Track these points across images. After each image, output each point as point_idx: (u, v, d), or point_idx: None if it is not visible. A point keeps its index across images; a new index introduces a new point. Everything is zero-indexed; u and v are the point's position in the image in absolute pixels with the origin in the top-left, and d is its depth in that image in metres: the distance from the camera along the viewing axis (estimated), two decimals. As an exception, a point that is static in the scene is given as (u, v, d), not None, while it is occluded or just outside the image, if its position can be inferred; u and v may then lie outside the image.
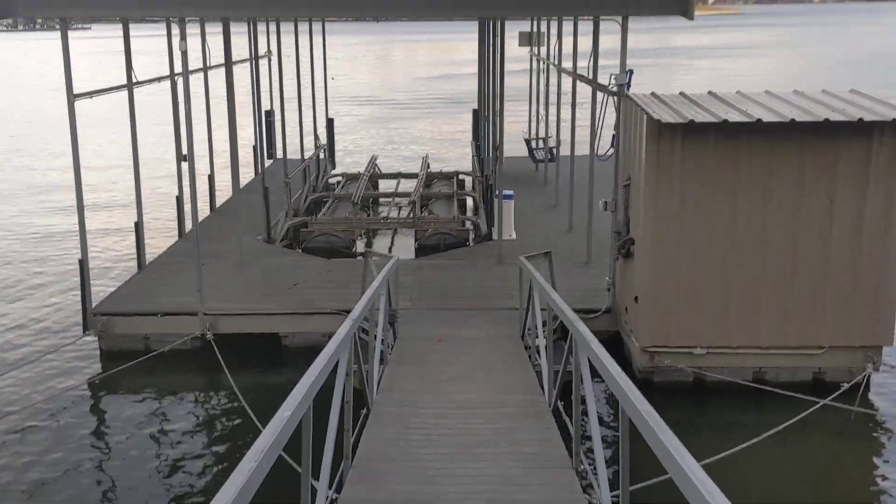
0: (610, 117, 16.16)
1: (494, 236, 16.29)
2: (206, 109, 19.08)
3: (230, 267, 14.75)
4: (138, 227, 14.73)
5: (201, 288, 12.55)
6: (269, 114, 22.05)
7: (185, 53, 12.03)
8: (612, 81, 11.88)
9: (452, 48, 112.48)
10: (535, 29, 22.97)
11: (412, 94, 58.48)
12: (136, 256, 14.95)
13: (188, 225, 17.55)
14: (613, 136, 22.70)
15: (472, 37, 26.47)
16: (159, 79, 16.07)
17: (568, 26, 17.61)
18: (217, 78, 18.99)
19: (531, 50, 23.98)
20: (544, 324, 9.33)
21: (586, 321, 12.36)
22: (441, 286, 13.63)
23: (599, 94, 13.44)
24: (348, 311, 11.60)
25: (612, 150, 23.97)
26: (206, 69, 18.70)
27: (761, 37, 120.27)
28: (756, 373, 10.99)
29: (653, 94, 11.58)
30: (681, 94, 11.71)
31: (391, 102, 53.59)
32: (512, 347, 10.62)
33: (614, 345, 12.25)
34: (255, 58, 21.93)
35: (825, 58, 78.44)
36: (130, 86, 14.35)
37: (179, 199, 16.99)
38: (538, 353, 9.52)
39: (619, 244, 11.58)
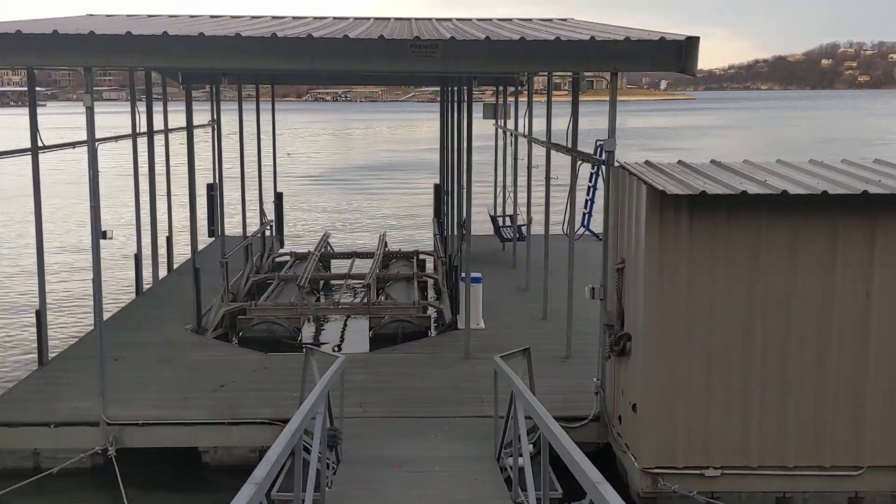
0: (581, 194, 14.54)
1: (460, 325, 14.30)
2: (150, 179, 17.05)
3: (147, 363, 12.52)
4: (39, 317, 12.48)
5: (103, 392, 10.30)
6: (212, 187, 20.09)
7: (90, 110, 10.04)
8: (599, 148, 10.11)
9: (414, 126, 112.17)
10: (499, 101, 21.45)
11: (370, 171, 56.98)
12: (38, 356, 12.65)
13: (110, 308, 15.31)
14: (585, 207, 20.98)
15: (433, 115, 24.94)
16: (73, 144, 14.05)
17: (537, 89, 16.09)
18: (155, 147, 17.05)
19: (496, 123, 22.43)
20: (535, 454, 7.28)
21: (570, 431, 10.40)
22: (398, 388, 11.53)
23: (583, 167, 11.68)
24: (284, 421, 9.57)
25: (582, 230, 22.21)
26: (165, 131, 16.76)
27: (713, 119, 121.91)
28: (780, 499, 9.00)
29: (647, 162, 9.84)
30: (680, 162, 9.98)
31: (348, 179, 51.95)
32: (486, 474, 8.52)
33: (604, 459, 10.20)
34: (191, 126, 20.05)
35: (782, 138, 78.98)
36: (35, 150, 12.29)
37: (96, 281, 14.76)
38: (520, 482, 7.46)
39: (612, 340, 9.64)
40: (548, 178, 14.69)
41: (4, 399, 11.23)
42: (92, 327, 14.78)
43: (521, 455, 7.50)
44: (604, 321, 10.02)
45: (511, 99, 20.88)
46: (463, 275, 14.01)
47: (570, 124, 12.18)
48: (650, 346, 8.81)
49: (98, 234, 14.50)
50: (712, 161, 10.12)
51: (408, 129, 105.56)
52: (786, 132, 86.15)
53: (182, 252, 21.20)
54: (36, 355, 12.69)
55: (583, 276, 13.74)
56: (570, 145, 12.20)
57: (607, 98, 10.63)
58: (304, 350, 10.15)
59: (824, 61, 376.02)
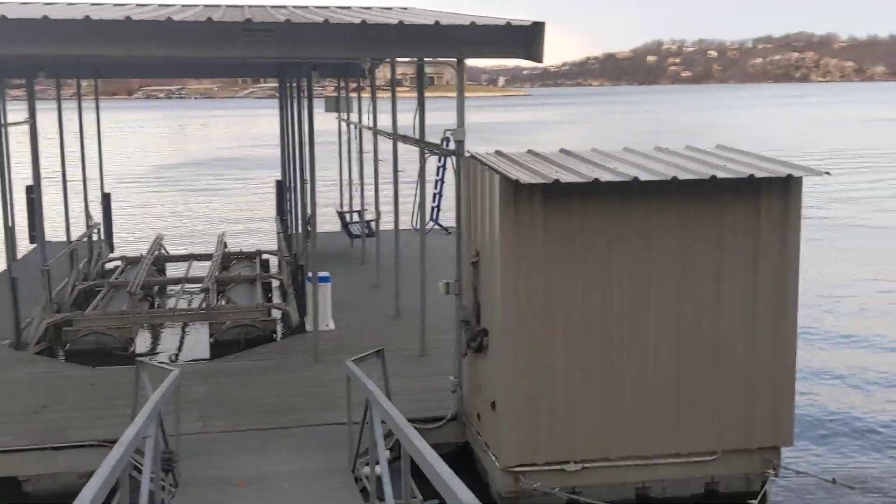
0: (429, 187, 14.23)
1: (308, 327, 13.63)
2: None
3: (-44, 386, 11.17)
4: None
5: None
6: (31, 189, 18.43)
7: None
8: (449, 138, 9.72)
9: (252, 122, 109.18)
10: (342, 94, 20.81)
11: (207, 168, 54.82)
12: None
13: None
14: (434, 201, 20.72)
15: (273, 111, 23.99)
16: None
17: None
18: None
19: (339, 116, 21.77)
20: (392, 459, 6.78)
21: (427, 432, 10.00)
22: (242, 398, 10.76)
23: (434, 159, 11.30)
24: (113, 443, 8.67)
25: (431, 224, 21.94)
26: None
27: (550, 115, 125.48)
28: (640, 489, 8.92)
29: (498, 152, 9.54)
30: (530, 151, 9.74)
31: (183, 178, 49.73)
32: (340, 486, 7.97)
33: (464, 460, 9.87)
34: (5, 123, 18.34)
35: (617, 131, 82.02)
36: None
37: None
38: (378, 492, 6.95)
39: (469, 336, 9.29)
40: (395, 171, 14.23)
41: None
42: None
43: (378, 464, 7.00)
44: (459, 317, 9.66)
45: (354, 94, 20.30)
46: (309, 274, 13.36)
47: (417, 115, 11.76)
48: (508, 341, 8.51)
49: None
50: (562, 150, 9.94)
51: (246, 126, 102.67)
52: (619, 125, 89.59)
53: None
54: None
55: (435, 271, 13.41)
56: (417, 136, 11.77)
57: (450, 94, 10.38)
58: (135, 363, 9.24)
59: (650, 58, 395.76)
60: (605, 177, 8.13)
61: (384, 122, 15.92)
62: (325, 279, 13.36)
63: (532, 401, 8.56)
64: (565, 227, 8.34)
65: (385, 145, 16.34)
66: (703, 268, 8.59)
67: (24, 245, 18.34)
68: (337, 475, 8.26)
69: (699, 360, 8.70)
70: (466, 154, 9.57)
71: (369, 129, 16.37)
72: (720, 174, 8.22)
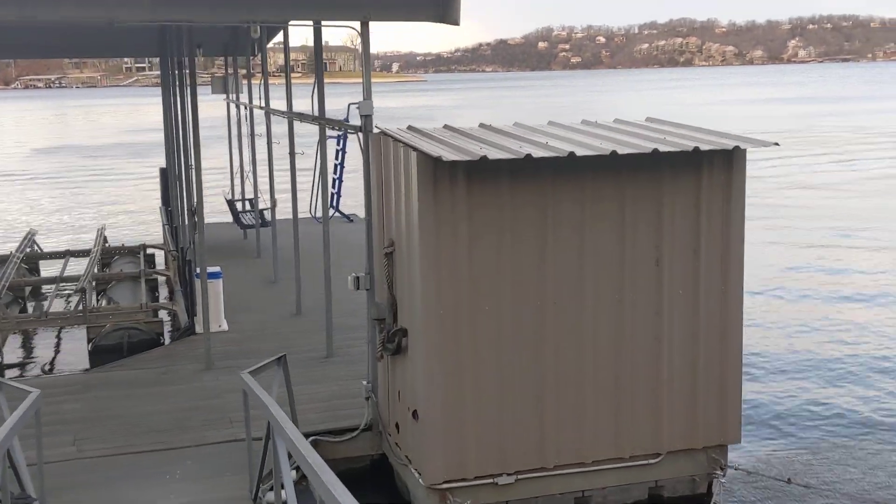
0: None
1: (198, 329, 12.27)
2: None
3: None
4: None
5: None
6: None
7: None
8: (355, 111, 8.58)
9: (137, 111, 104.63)
10: (230, 70, 19.33)
11: (86, 158, 51.77)
12: None
13: None
14: (333, 187, 19.48)
15: (158, 99, 22.21)
16: None
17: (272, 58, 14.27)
18: None
19: (227, 97, 20.25)
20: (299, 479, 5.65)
21: (338, 445, 8.89)
22: (125, 415, 9.37)
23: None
24: None
25: (331, 211, 20.67)
26: None
27: (446, 100, 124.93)
28: (579, 499, 8.05)
29: (411, 127, 8.46)
30: (446, 126, 8.70)
31: (61, 166, 46.74)
32: (241, 522, 6.78)
33: (381, 474, 8.82)
34: None
35: (514, 116, 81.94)
36: None
37: None
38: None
39: (385, 336, 8.19)
40: (292, 153, 12.95)
41: None
42: None
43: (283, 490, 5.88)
44: (372, 315, 8.55)
45: (244, 78, 18.82)
46: (198, 270, 12.00)
47: (315, 87, 10.55)
48: (430, 341, 7.46)
49: None
50: (481, 125, 8.94)
51: (131, 115, 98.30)
52: (519, 109, 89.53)
53: None
54: None
55: (340, 264, 12.31)
56: (315, 113, 10.57)
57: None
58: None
59: (541, 44, 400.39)
60: (538, 152, 7.15)
61: (276, 106, 14.66)
62: (215, 275, 12.04)
63: (458, 408, 7.55)
64: (493, 210, 7.35)
65: (279, 127, 15.05)
66: (642, 252, 7.74)
67: None
68: (236, 506, 7.06)
69: (639, 354, 7.87)
70: (375, 130, 8.46)
71: (261, 108, 15.01)
72: (663, 147, 7.36)
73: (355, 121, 8.92)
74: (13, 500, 5.52)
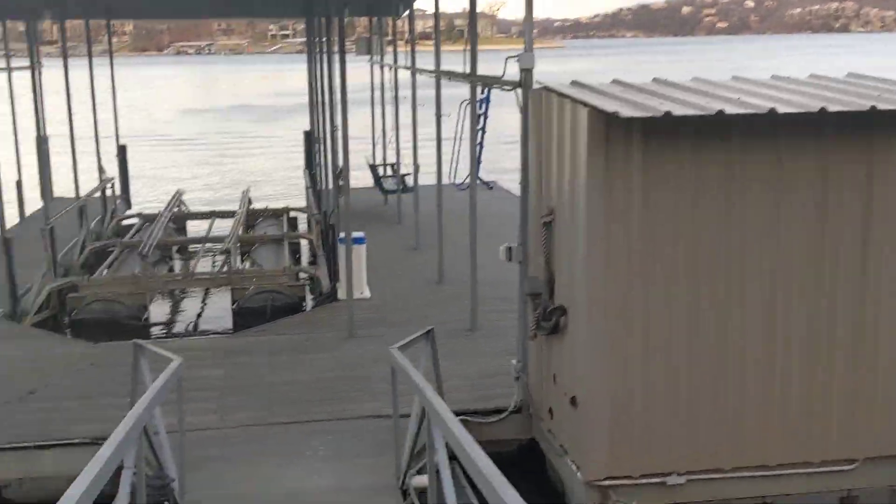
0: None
1: (340, 295, 11.92)
2: None
3: (-67, 366, 9.60)
4: None
5: None
6: (43, 141, 16.85)
7: None
8: (516, 65, 7.81)
9: (281, 76, 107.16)
10: (375, 30, 18.89)
11: (234, 116, 53.15)
12: None
13: None
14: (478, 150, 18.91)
15: (301, 66, 22.10)
16: None
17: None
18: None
19: (371, 59, 19.86)
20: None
21: (485, 427, 8.27)
22: (266, 383, 9.06)
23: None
24: None
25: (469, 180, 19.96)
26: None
27: (588, 65, 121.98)
28: (759, 505, 7.14)
29: (575, 82, 7.63)
30: (616, 81, 7.82)
31: (209, 127, 48.09)
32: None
33: (530, 461, 8.14)
34: (9, 67, 16.70)
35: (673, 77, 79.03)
36: None
37: None
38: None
39: (540, 314, 7.47)
40: (438, 115, 12.34)
41: None
42: None
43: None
44: (525, 289, 7.83)
45: (389, 44, 18.36)
46: (342, 235, 11.61)
47: (467, 46, 9.83)
48: (595, 322, 6.68)
49: None
50: (655, 79, 8.00)
51: (275, 81, 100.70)
52: (667, 73, 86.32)
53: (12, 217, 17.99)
54: None
55: (485, 232, 11.63)
56: (468, 71, 9.86)
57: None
58: (133, 346, 7.57)
59: (685, 8, 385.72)
60: (732, 109, 6.20)
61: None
62: (359, 240, 11.60)
63: (625, 397, 6.76)
64: (673, 175, 6.47)
65: (422, 92, 14.47)
66: (846, 230, 6.68)
67: (36, 202, 16.84)
68: (385, 496, 6.52)
69: (838, 347, 6.83)
70: (536, 85, 7.68)
71: (408, 68, 14.44)
72: (882, 105, 6.26)
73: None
74: (149, 479, 5.14)
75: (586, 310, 6.71)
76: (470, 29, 10.04)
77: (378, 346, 10.01)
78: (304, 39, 23.53)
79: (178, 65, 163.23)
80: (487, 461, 3.94)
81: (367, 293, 12.01)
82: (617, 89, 7.38)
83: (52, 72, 17.35)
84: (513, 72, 8.04)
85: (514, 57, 7.92)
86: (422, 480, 6.23)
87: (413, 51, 14.41)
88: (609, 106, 6.25)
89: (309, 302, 13.52)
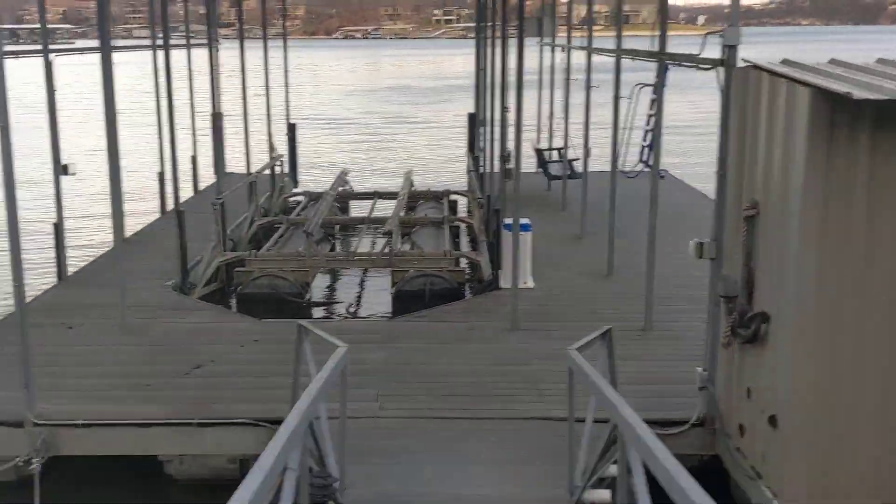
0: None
1: (502, 283, 11.44)
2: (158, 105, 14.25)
3: (107, 333, 9.79)
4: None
5: (29, 381, 7.56)
6: (219, 117, 17.23)
7: None
8: (718, 41, 7.01)
9: (445, 60, 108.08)
10: (548, 10, 18.23)
11: (394, 102, 53.73)
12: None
13: (72, 261, 12.61)
14: (644, 139, 18.01)
15: (464, 50, 21.77)
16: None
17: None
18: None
19: (541, 40, 19.21)
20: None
21: (663, 439, 7.54)
22: (426, 373, 8.68)
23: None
24: (270, 422, 6.92)
25: (640, 166, 18.95)
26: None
27: (763, 53, 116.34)
28: None
29: (786, 60, 6.76)
30: (834, 60, 6.88)
31: (369, 110, 48.79)
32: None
33: (712, 480, 7.35)
34: (189, 45, 17.19)
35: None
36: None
37: (58, 226, 12.06)
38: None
39: (736, 319, 6.68)
40: (616, 97, 11.60)
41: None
42: (52, 284, 12.09)
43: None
44: (718, 290, 7.04)
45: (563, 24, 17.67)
46: (507, 221, 11.11)
47: (658, 19, 9.06)
48: (805, 333, 5.86)
49: (58, 170, 11.84)
50: (880, 59, 7.00)
51: (437, 64, 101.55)
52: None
53: (186, 190, 18.60)
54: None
55: (658, 223, 10.83)
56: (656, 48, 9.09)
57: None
58: (297, 327, 7.33)
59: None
60: None
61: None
62: (526, 227, 11.05)
63: (834, 420, 5.91)
64: (911, 168, 5.54)
65: (600, 71, 13.74)
66: None
67: (210, 177, 17.26)
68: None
69: None
70: (741, 64, 6.86)
71: (583, 49, 13.73)
72: None
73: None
74: (312, 478, 4.80)
75: (796, 317, 5.89)
76: (660, 4, 9.26)
77: (544, 340, 9.47)
78: (466, 25, 23.16)
79: (346, 48, 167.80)
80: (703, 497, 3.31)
81: (530, 283, 11.46)
82: (838, 69, 6.46)
83: (228, 52, 17.71)
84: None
85: (716, 32, 7.12)
86: (602, 496, 5.64)
87: (590, 30, 13.66)
88: (837, 86, 5.40)
89: (468, 289, 13.13)
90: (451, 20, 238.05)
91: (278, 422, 7.54)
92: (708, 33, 7.41)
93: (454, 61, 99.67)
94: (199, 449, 7.66)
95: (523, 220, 11.05)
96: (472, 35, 21.17)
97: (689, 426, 7.47)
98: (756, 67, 6.53)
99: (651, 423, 7.45)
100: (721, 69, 7.04)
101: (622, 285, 11.45)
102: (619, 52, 11.14)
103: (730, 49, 6.95)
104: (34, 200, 17.28)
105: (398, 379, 8.49)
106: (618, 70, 11.30)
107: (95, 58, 10.39)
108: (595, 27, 13.97)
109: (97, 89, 9.85)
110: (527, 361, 8.88)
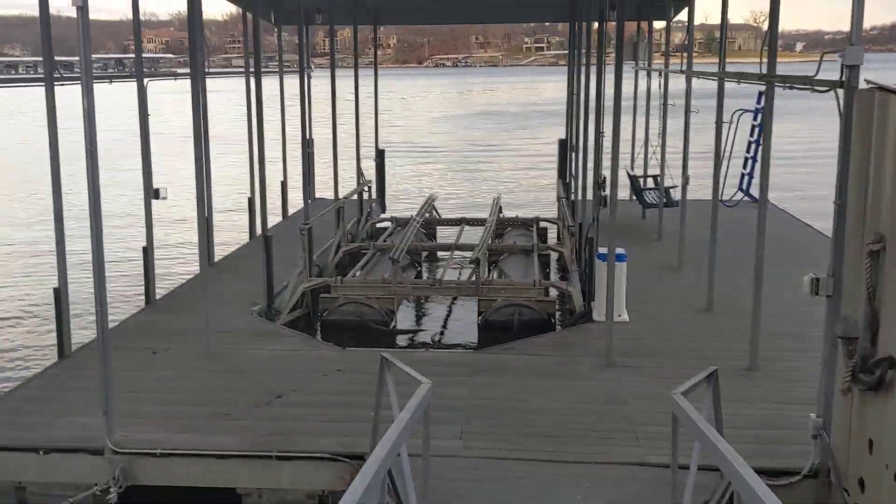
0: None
1: (595, 316, 10.94)
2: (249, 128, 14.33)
3: (189, 359, 9.68)
4: (59, 295, 9.78)
5: (109, 408, 7.44)
6: (310, 143, 17.30)
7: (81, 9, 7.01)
8: (837, 60, 6.45)
9: (536, 88, 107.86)
10: (642, 33, 17.71)
11: (482, 129, 53.61)
12: (57, 345, 9.96)
13: (160, 286, 12.66)
14: (745, 167, 17.20)
15: (554, 78, 21.50)
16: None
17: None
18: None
19: (636, 65, 18.71)
20: None
21: (773, 490, 6.92)
22: (515, 409, 8.24)
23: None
24: (350, 457, 6.63)
25: (740, 195, 18.16)
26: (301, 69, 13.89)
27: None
28: None
29: (914, 82, 6.15)
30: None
31: (457, 136, 48.75)
32: None
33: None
34: (282, 70, 17.33)
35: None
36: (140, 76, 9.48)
37: (147, 251, 12.11)
38: None
39: (857, 363, 6.06)
40: (719, 122, 11.01)
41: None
42: (140, 308, 12.14)
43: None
44: (837, 331, 6.41)
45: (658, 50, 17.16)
46: (602, 250, 10.63)
47: (767, 37, 8.50)
48: (940, 384, 5.22)
49: (149, 195, 11.89)
50: None
51: (529, 92, 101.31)
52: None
53: (275, 214, 18.70)
54: (56, 344, 10.03)
55: (749, 256, 10.20)
56: (763, 70, 8.52)
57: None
58: (380, 360, 7.01)
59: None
60: None
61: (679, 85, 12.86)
62: (621, 257, 10.55)
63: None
64: None
65: (696, 101, 13.18)
66: None
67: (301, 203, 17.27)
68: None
69: None
70: (864, 85, 6.29)
71: (682, 72, 13.17)
72: None
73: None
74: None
75: (929, 366, 5.26)
76: (770, 22, 8.71)
77: (640, 378, 8.95)
78: (557, 52, 22.82)
79: (437, 76, 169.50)
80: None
81: (625, 316, 10.92)
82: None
83: (321, 80, 17.82)
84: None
85: (835, 52, 6.56)
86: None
87: (690, 54, 13.11)
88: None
89: (558, 320, 12.66)
90: (541, 48, 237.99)
91: (359, 457, 7.31)
92: (826, 52, 6.85)
93: (544, 88, 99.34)
94: (277, 483, 7.41)
95: (619, 250, 10.55)
96: (563, 62, 20.89)
97: (801, 477, 6.84)
98: (882, 89, 5.95)
99: (760, 472, 6.89)
100: (840, 91, 6.47)
101: (723, 320, 10.81)
102: (722, 75, 10.57)
103: (850, 70, 6.38)
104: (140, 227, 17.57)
105: (484, 416, 8.08)
106: (720, 94, 10.73)
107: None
108: (696, 51, 13.44)
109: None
110: (622, 401, 8.36)
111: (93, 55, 7.10)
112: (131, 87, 11.88)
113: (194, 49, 10.39)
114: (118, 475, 7.36)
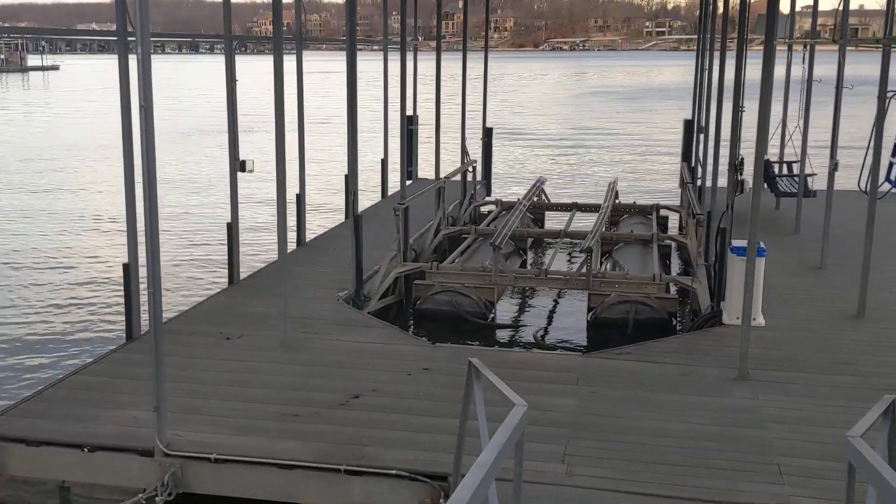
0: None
1: (725, 318, 9.47)
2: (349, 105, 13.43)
3: (264, 349, 8.74)
4: (127, 270, 8.99)
5: (161, 402, 6.53)
6: (412, 120, 16.29)
7: None
8: None
9: (655, 72, 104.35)
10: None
11: (600, 109, 51.64)
12: (125, 327, 9.20)
13: (243, 267, 11.83)
14: (894, 155, 15.58)
15: (675, 62, 19.81)
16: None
17: None
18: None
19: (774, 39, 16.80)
20: None
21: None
22: (628, 428, 6.93)
23: None
24: (429, 476, 5.54)
25: (887, 185, 16.11)
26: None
27: None
28: None
29: None
30: None
31: (576, 118, 46.99)
32: None
33: None
34: (386, 39, 16.34)
35: None
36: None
37: (231, 227, 11.29)
38: None
39: None
40: (882, 98, 9.32)
41: (39, 397, 7.68)
42: (220, 288, 11.35)
43: None
44: None
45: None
46: (738, 243, 9.17)
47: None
48: None
49: (234, 167, 11.09)
50: None
51: (647, 76, 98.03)
52: None
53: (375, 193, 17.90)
54: (124, 326, 9.27)
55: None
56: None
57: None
58: (468, 366, 5.83)
59: None
60: None
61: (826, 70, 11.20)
62: (761, 252, 9.00)
63: None
64: None
65: (854, 66, 11.43)
66: None
67: (394, 181, 16.32)
68: None
69: None
70: None
71: (833, 42, 11.43)
72: None
73: None
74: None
75: None
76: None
77: (781, 397, 7.50)
78: (679, 37, 21.06)
79: (553, 59, 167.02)
80: None
81: (760, 320, 9.40)
82: None
83: (428, 62, 16.81)
84: None
85: None
86: None
87: (845, 19, 11.35)
88: None
89: (680, 321, 11.21)
90: (662, 32, 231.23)
91: (439, 477, 6.16)
92: None
93: (663, 72, 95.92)
94: (346, 499, 6.36)
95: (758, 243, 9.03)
96: (685, 47, 19.22)
97: None
98: None
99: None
100: None
101: (876, 329, 9.20)
102: (889, 42, 8.87)
103: None
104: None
105: (591, 435, 6.80)
106: (885, 63, 9.03)
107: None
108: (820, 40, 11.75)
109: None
110: (759, 424, 6.93)
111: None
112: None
113: (277, 25, 9.42)
114: (167, 481, 6.45)
